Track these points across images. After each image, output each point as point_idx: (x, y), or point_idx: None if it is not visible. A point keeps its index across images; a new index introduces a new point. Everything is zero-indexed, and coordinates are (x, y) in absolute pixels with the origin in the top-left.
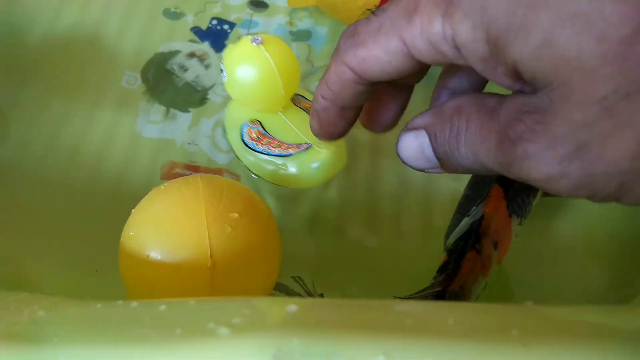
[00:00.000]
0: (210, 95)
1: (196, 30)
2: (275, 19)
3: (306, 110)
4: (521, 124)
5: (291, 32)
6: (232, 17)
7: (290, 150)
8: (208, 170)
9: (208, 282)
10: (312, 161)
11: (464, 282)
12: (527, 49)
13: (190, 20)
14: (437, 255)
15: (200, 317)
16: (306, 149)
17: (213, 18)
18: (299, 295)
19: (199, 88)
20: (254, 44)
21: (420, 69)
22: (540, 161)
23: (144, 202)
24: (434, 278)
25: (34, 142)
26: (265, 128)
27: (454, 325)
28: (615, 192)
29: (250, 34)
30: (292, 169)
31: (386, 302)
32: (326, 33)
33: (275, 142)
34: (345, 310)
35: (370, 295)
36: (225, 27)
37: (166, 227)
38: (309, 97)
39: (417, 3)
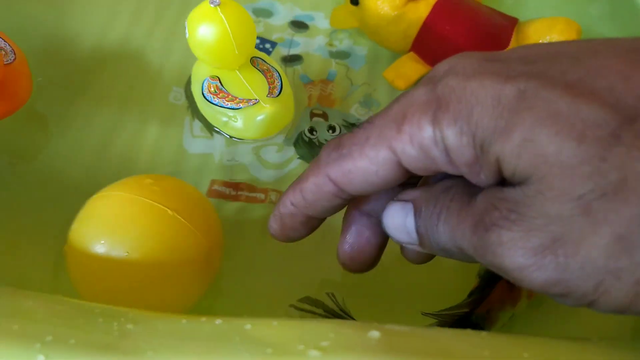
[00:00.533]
0: None
1: None
2: (315, 40)
3: (262, 71)
4: (496, 211)
5: (330, 53)
6: (273, 37)
7: (240, 104)
8: (251, 189)
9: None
10: (257, 114)
11: (491, 307)
12: (509, 147)
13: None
14: (469, 278)
15: (287, 338)
16: (254, 103)
17: (258, 37)
18: (333, 310)
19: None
20: (212, 5)
21: (401, 180)
22: (514, 250)
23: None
24: (464, 300)
25: (80, 154)
26: (222, 83)
27: (530, 359)
28: (591, 292)
29: (291, 54)
30: (240, 121)
31: (458, 332)
32: (365, 54)
33: (230, 96)
34: (423, 339)
35: (400, 312)
36: (267, 45)
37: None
38: (267, 59)
39: (405, 112)
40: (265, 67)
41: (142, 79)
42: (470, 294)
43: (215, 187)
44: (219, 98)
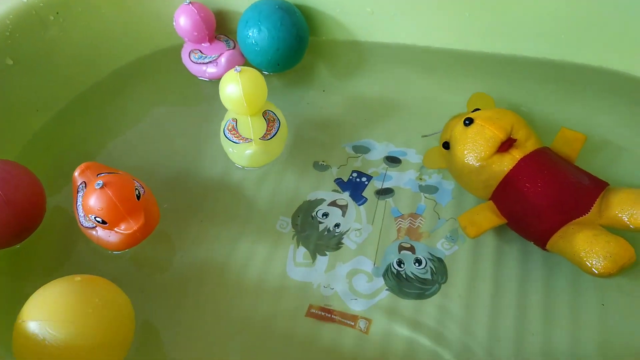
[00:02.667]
0: (345, 240)
1: (339, 182)
2: (406, 174)
3: (267, 120)
4: None
5: (420, 187)
6: (369, 171)
7: (240, 140)
8: (343, 315)
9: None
10: (246, 149)
11: None
12: None
13: (334, 172)
14: None
15: None
16: (249, 142)
17: (354, 171)
18: None
19: (336, 233)
20: (235, 71)
21: None
22: None
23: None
24: None
25: (201, 272)
26: (237, 124)
27: None
28: None
29: (384, 187)
30: (236, 151)
31: None
32: (452, 190)
33: (237, 134)
34: None
35: None
36: (363, 179)
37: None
38: (278, 114)
39: None
40: (271, 118)
41: (255, 208)
42: None
43: (313, 310)
44: (231, 134)
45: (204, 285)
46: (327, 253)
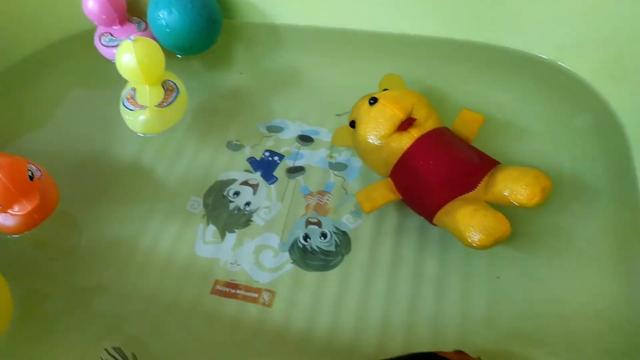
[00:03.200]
0: (254, 217)
1: (251, 161)
2: (318, 152)
3: (165, 89)
4: None
5: (330, 164)
6: (282, 150)
7: (136, 108)
8: (248, 289)
9: None
10: (140, 115)
11: None
12: None
13: (247, 151)
14: None
15: None
16: (143, 108)
17: (266, 150)
18: None
19: (246, 212)
20: (129, 40)
21: None
22: None
23: None
24: None
25: (109, 254)
26: (135, 93)
27: None
28: None
29: (296, 165)
30: (131, 118)
31: None
32: (360, 167)
33: (134, 102)
34: None
35: None
36: (276, 158)
37: None
38: (178, 84)
39: None
40: (170, 87)
41: (165, 189)
42: None
43: (218, 287)
44: (128, 102)
45: (109, 266)
46: (236, 230)
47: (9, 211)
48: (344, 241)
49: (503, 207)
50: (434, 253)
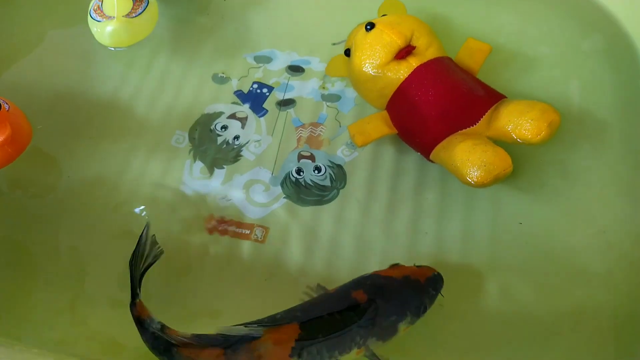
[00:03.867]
0: (244, 152)
1: (239, 94)
2: (309, 83)
3: (134, 0)
4: None
5: (322, 95)
6: (271, 82)
7: (104, 19)
8: (239, 225)
9: None
10: (107, 26)
11: None
12: None
13: (234, 84)
14: None
15: None
16: (111, 19)
17: (254, 82)
18: None
19: (235, 146)
20: None
21: None
22: None
23: None
24: None
25: (91, 191)
26: (102, 4)
27: None
28: None
29: (286, 98)
30: (98, 29)
31: None
32: (354, 97)
33: (102, 13)
34: None
35: None
36: (264, 90)
37: None
38: None
39: None
40: None
41: (148, 124)
42: None
43: (208, 224)
44: (96, 13)
45: (91, 205)
46: (225, 166)
47: None
48: (339, 175)
49: (506, 145)
50: (433, 188)
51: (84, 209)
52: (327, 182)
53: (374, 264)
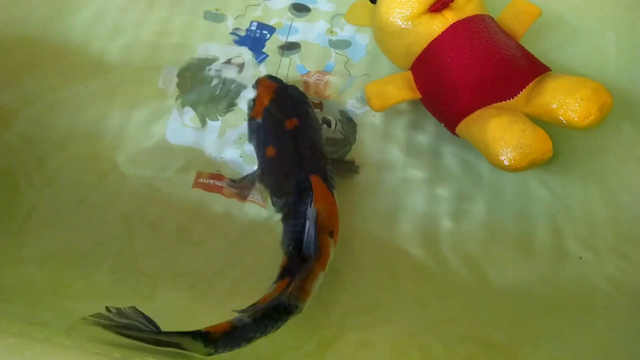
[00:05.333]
0: (240, 101)
1: (235, 35)
2: (316, 26)
3: None
4: None
5: (330, 41)
6: (272, 22)
7: None
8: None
9: None
10: None
11: (303, 283)
12: None
13: (230, 24)
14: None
15: None
16: None
17: (253, 22)
18: None
19: (230, 91)
20: None
21: None
22: None
23: None
24: (275, 282)
25: (69, 143)
26: None
27: None
28: None
29: (289, 41)
30: None
31: None
32: (366, 45)
33: None
34: None
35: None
36: (265, 32)
37: None
38: None
39: None
40: None
41: (129, 66)
42: (282, 274)
43: (200, 179)
44: None
45: (64, 160)
46: (220, 117)
47: None
48: (350, 129)
49: (544, 124)
50: (454, 151)
51: (56, 165)
52: (339, 136)
53: (386, 230)
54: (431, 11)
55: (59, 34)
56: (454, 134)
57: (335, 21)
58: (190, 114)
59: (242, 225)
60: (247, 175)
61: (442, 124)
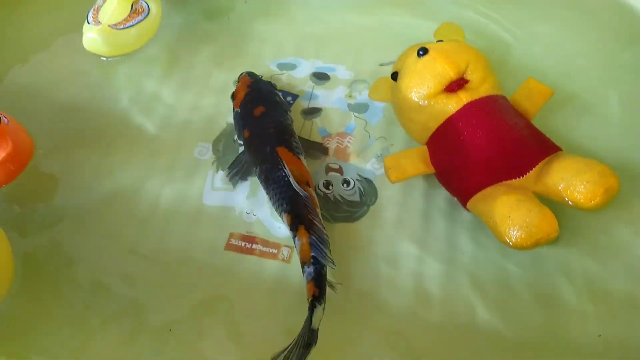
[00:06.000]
0: None
1: None
2: (335, 92)
3: (132, 9)
4: None
5: (349, 105)
6: (296, 89)
7: (93, 22)
8: (265, 244)
9: None
10: (88, 31)
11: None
12: None
13: None
14: None
15: None
16: (98, 25)
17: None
18: None
19: None
20: None
21: None
22: None
23: None
24: (293, 232)
25: (112, 207)
26: (103, 5)
27: None
28: None
29: (311, 107)
30: (85, 31)
31: None
32: (383, 107)
33: (96, 15)
34: None
35: None
36: (289, 98)
37: None
38: (153, 4)
39: None
40: (140, 9)
41: (169, 134)
42: (293, 223)
43: (233, 241)
44: (92, 13)
45: (107, 219)
46: (249, 178)
47: None
48: (369, 190)
49: (550, 203)
50: (469, 219)
51: (97, 227)
52: (357, 198)
53: (406, 289)
54: (447, 91)
55: (105, 109)
56: (466, 208)
57: (354, 86)
58: (221, 177)
59: (272, 284)
60: (238, 156)
61: (455, 198)
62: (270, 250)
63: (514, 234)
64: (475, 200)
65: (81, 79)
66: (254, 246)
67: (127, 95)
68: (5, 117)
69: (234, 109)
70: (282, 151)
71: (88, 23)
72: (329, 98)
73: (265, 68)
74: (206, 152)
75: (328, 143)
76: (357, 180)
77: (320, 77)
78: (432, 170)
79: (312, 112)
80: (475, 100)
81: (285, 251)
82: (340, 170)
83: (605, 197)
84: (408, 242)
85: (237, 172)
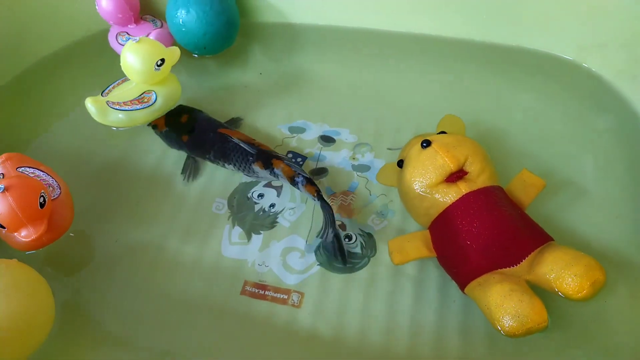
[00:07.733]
0: (279, 219)
1: None
2: (340, 153)
3: (140, 96)
4: None
5: (353, 166)
6: (305, 151)
7: (105, 94)
8: (277, 290)
9: None
10: (90, 101)
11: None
12: None
13: None
14: None
15: None
16: (104, 95)
17: (289, 151)
18: None
19: (271, 213)
20: (132, 40)
21: None
22: None
23: None
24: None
25: (134, 259)
26: (122, 83)
27: None
28: None
29: (318, 167)
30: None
31: None
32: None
33: (113, 88)
34: None
35: None
36: (299, 159)
37: None
38: (165, 97)
39: None
40: (144, 99)
41: (189, 193)
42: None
43: (247, 287)
44: (111, 87)
45: (136, 268)
46: (262, 232)
47: (15, 234)
48: (369, 243)
49: (543, 291)
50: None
51: (126, 273)
52: (358, 250)
53: (405, 333)
54: (447, 182)
55: (132, 165)
56: (464, 293)
57: (357, 149)
58: (238, 231)
59: (283, 326)
60: (184, 162)
61: (454, 282)
62: (281, 295)
63: (506, 323)
64: (472, 286)
65: (114, 140)
66: (267, 292)
67: (154, 156)
68: (58, 188)
69: (160, 132)
70: (223, 130)
71: (102, 92)
72: (334, 159)
73: (278, 131)
74: (222, 207)
75: (333, 201)
76: (359, 234)
77: (327, 139)
78: (433, 254)
79: (320, 172)
80: (473, 191)
81: (295, 297)
82: (343, 226)
83: (592, 289)
84: (404, 294)
85: (189, 174)
